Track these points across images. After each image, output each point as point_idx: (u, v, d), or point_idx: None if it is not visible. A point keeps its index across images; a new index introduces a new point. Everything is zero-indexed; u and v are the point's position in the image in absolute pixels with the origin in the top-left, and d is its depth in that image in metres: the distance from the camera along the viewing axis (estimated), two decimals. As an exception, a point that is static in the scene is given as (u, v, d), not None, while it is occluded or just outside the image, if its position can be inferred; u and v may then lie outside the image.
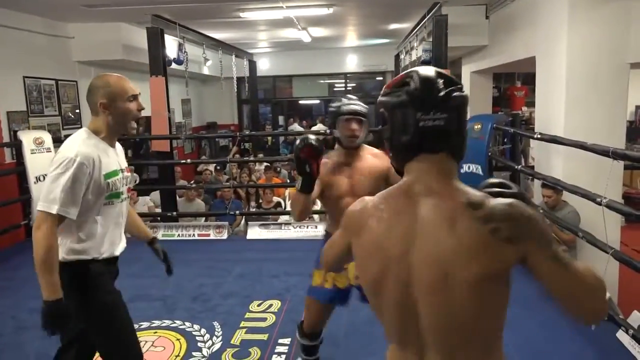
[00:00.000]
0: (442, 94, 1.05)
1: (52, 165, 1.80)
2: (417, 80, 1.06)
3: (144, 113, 2.15)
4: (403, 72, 1.12)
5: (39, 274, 1.73)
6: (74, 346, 2.06)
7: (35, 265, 1.73)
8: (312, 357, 2.55)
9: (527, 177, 5.25)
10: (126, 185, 2.00)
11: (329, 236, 2.21)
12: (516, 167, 4.61)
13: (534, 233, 0.98)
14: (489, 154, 4.76)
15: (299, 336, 2.49)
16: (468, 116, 5.63)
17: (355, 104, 2.27)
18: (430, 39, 5.98)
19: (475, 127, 4.86)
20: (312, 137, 2.04)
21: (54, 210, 1.74)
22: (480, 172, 4.56)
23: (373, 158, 2.31)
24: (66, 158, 1.77)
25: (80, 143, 1.84)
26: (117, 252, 2.02)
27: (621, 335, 2.86)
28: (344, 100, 2.29)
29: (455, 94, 1.05)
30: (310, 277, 2.40)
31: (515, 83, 10.00)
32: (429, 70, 1.09)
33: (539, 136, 4.11)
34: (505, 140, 6.19)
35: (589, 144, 3.23)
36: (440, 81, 1.06)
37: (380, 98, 1.12)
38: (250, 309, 3.50)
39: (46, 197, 1.75)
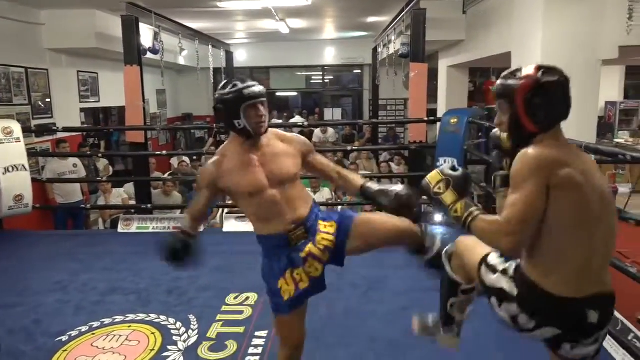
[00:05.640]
0: None
1: None
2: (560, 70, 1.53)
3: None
4: (533, 66, 1.53)
5: None
6: None
7: None
8: None
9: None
10: None
11: (262, 239, 2.07)
12: (490, 160, 4.66)
13: None
14: (465, 147, 4.82)
15: None
16: (445, 110, 5.65)
17: (255, 85, 1.96)
18: (409, 33, 6.00)
19: (452, 121, 4.90)
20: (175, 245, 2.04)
21: None
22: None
23: (281, 141, 2.07)
24: None
25: None
26: None
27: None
28: (239, 84, 1.95)
29: None
30: (276, 293, 2.03)
31: (490, 78, 10.13)
32: None
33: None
34: (480, 134, 6.27)
35: (561, 139, 3.29)
36: None
37: (550, 79, 1.50)
38: (227, 302, 3.47)
39: None
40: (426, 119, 5.59)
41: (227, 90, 1.95)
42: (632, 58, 5.88)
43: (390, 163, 7.88)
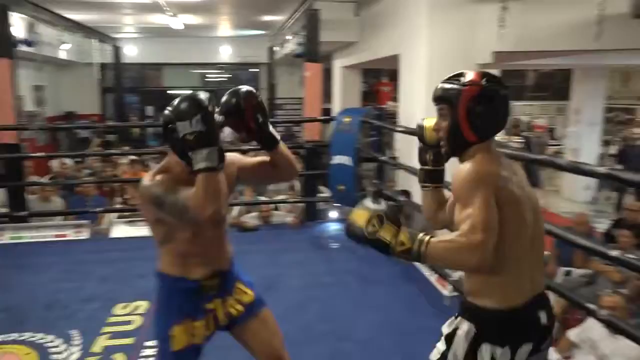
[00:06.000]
0: None
1: None
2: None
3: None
4: (475, 72, 1.49)
5: None
6: None
7: None
8: None
9: (391, 167, 5.56)
10: None
11: (169, 279, 1.75)
12: (381, 158, 4.85)
13: None
14: (357, 146, 4.95)
15: None
16: (339, 109, 5.73)
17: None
18: (304, 33, 6.05)
19: (345, 120, 5.02)
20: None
21: None
22: (349, 164, 4.72)
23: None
24: None
25: None
26: None
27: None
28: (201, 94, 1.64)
29: None
30: (165, 340, 1.75)
31: (381, 79, 10.55)
32: None
33: (402, 129, 4.36)
34: (373, 132, 6.49)
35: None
36: None
37: (494, 88, 1.47)
38: (114, 312, 3.26)
39: None
40: (320, 118, 5.68)
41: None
42: (506, 63, 6.41)
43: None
